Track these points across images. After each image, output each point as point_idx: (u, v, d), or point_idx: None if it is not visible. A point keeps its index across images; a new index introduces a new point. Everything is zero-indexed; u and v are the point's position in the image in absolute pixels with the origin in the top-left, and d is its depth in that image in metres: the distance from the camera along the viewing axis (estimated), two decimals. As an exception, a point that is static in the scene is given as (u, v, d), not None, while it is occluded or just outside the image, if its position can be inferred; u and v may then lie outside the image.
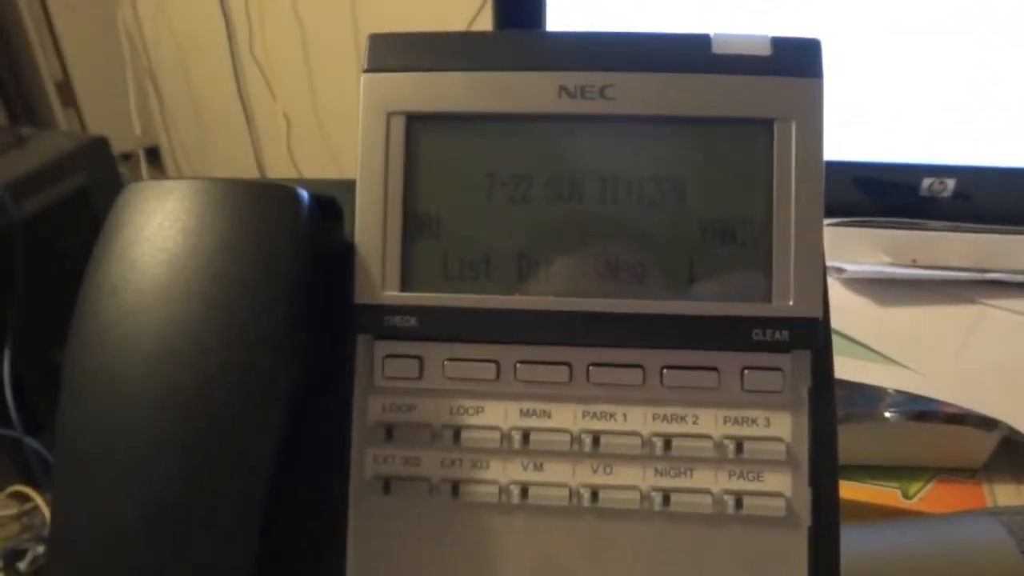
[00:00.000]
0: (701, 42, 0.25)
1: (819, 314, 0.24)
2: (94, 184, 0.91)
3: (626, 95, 0.24)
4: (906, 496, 0.43)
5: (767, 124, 0.24)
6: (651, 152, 0.25)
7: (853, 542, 0.27)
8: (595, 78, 0.24)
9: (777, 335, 0.24)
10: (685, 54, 0.24)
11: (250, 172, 1.42)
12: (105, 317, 0.22)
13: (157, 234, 0.23)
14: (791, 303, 0.24)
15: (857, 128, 0.55)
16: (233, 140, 1.44)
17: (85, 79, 1.49)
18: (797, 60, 0.24)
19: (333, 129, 1.33)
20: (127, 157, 1.50)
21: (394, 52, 0.25)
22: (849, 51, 0.53)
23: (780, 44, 0.24)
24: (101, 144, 0.96)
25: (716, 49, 0.24)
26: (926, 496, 0.43)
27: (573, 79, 0.24)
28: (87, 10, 1.47)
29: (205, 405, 0.21)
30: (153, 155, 1.59)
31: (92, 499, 0.21)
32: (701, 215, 0.24)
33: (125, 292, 0.22)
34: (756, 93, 0.24)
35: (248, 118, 1.39)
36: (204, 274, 0.22)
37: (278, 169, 1.39)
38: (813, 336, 0.24)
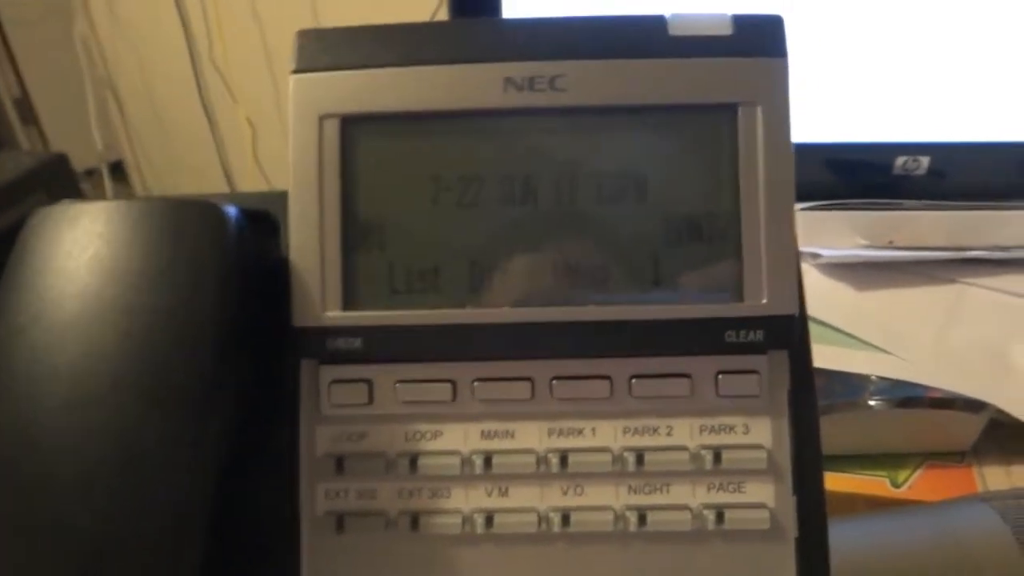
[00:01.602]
0: (657, 24, 0.23)
1: (795, 311, 0.22)
2: (54, 203, 0.88)
3: (578, 85, 0.23)
4: (895, 484, 0.42)
5: (730, 109, 0.22)
6: (608, 146, 0.23)
7: (842, 538, 0.26)
8: (544, 68, 0.23)
9: (751, 336, 0.22)
10: (640, 38, 0.23)
11: (218, 181, 1.39)
12: (12, 358, 0.20)
13: (67, 264, 0.21)
14: (765, 301, 0.22)
15: (827, 108, 0.53)
16: (198, 150, 1.41)
17: (44, 95, 1.46)
18: (760, 39, 0.23)
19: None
20: (91, 173, 1.47)
21: (325, 49, 0.23)
22: (815, 26, 0.52)
23: (741, 22, 0.23)
24: (61, 161, 0.93)
25: (673, 31, 0.23)
26: (915, 483, 0.42)
27: (520, 70, 0.23)
28: (43, 25, 1.43)
29: (128, 451, 0.19)
30: (118, 170, 1.56)
31: (8, 557, 0.19)
32: (665, 211, 0.23)
33: (33, 329, 0.20)
34: (717, 77, 0.22)
35: (212, 126, 1.37)
36: (119, 306, 0.20)
37: (245, 175, 1.37)
38: (789, 335, 0.22)
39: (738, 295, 0.22)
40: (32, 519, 0.19)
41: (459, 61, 0.23)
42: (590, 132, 0.23)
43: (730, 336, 0.22)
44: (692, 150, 0.23)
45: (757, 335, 0.22)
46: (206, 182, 1.44)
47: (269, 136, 1.32)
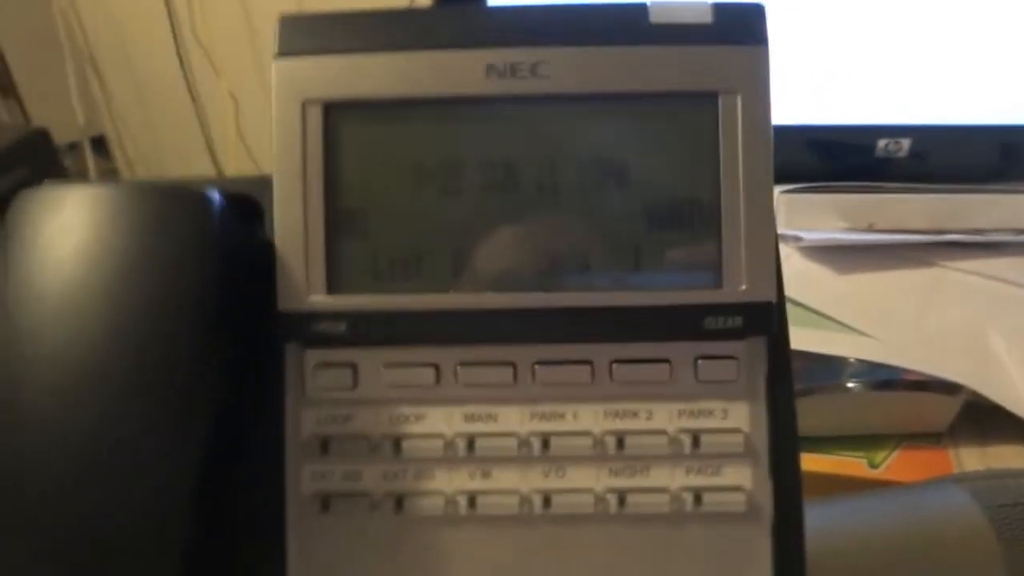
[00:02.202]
0: (638, 11, 0.23)
1: (773, 298, 0.23)
2: (36, 179, 0.87)
3: (560, 72, 0.23)
4: (872, 465, 0.43)
5: (711, 98, 0.22)
6: (589, 133, 0.23)
7: (817, 520, 0.26)
8: (526, 55, 0.23)
9: (730, 322, 0.22)
10: (622, 25, 0.23)
11: (200, 156, 1.38)
12: (-4, 344, 0.20)
13: (50, 249, 0.20)
14: (743, 288, 0.22)
15: (809, 90, 0.54)
16: (181, 124, 1.39)
17: (24, 69, 1.43)
18: (740, 27, 0.23)
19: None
20: (72, 147, 1.45)
21: (307, 34, 0.23)
22: (798, 10, 0.52)
23: (722, 10, 0.23)
24: (42, 136, 0.92)
25: (654, 18, 0.23)
26: (892, 464, 0.43)
27: (502, 57, 0.23)
28: (21, -4, 1.40)
29: (115, 436, 0.20)
30: (99, 145, 1.54)
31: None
32: (646, 198, 0.23)
33: (17, 317, 0.20)
34: (698, 64, 0.23)
35: (194, 100, 1.35)
36: (104, 291, 0.20)
37: (228, 150, 1.35)
38: (767, 321, 0.23)
39: (717, 282, 0.23)
40: (17, 503, 0.20)
41: (441, 47, 0.23)
42: (572, 119, 0.23)
43: (709, 322, 0.23)
44: (673, 138, 0.23)
45: (736, 321, 0.23)
46: (189, 156, 1.42)
47: (252, 110, 1.30)
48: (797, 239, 0.49)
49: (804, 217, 0.50)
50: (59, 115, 1.33)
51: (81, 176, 1.34)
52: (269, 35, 0.23)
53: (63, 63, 1.38)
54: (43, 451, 0.20)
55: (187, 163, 1.43)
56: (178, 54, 1.30)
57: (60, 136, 1.05)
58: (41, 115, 1.39)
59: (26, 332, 0.20)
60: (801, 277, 0.48)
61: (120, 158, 1.57)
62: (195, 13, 1.24)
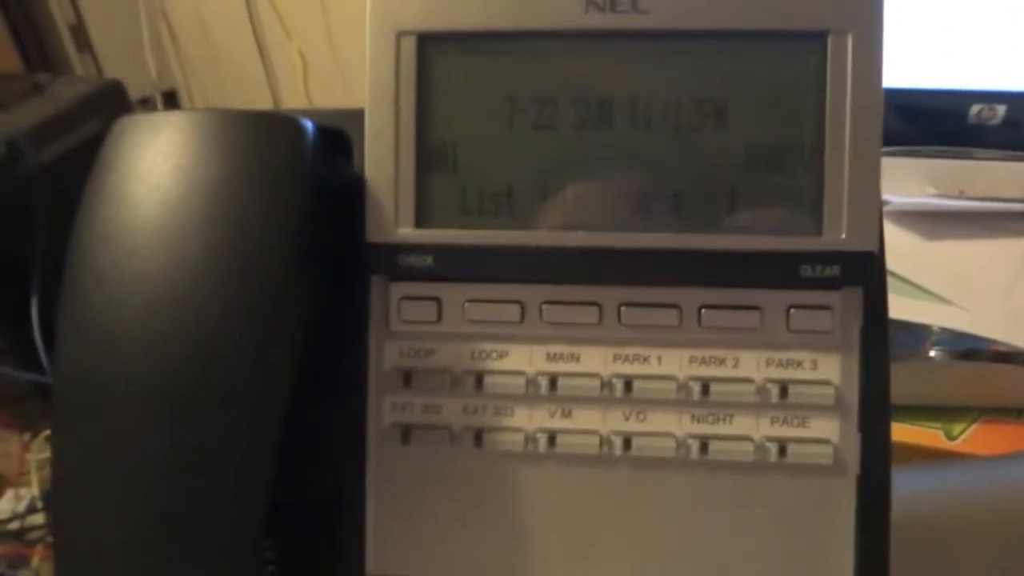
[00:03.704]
0: None
1: (874, 248, 0.22)
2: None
3: (661, 7, 0.22)
4: (950, 437, 0.41)
5: (820, 37, 0.22)
6: (689, 71, 0.22)
7: (900, 484, 0.26)
8: None
9: (827, 271, 0.22)
10: None
11: (268, 113, 1.40)
12: (97, 264, 0.20)
13: (149, 172, 0.21)
14: (843, 236, 0.22)
15: (902, 53, 0.51)
16: (249, 81, 1.41)
17: (99, 22, 1.46)
18: None
19: (349, 67, 1.30)
20: (144, 102, 1.48)
21: None
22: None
23: None
24: (117, 88, 0.94)
25: None
26: (970, 437, 0.41)
27: None
28: (97, -48, 1.43)
29: (208, 352, 0.20)
30: (170, 99, 1.57)
31: (90, 458, 0.20)
32: (745, 140, 0.22)
33: (117, 237, 0.20)
34: (808, 2, 0.22)
35: (264, 59, 1.37)
36: (200, 214, 0.20)
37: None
38: (867, 272, 0.22)
39: (816, 229, 0.22)
40: (114, 420, 0.20)
41: None
42: (672, 56, 0.22)
43: (805, 270, 0.22)
44: (777, 78, 0.22)
45: (833, 270, 0.22)
46: (257, 113, 1.45)
47: (320, 71, 1.32)
48: (885, 203, 0.47)
49: (892, 181, 0.48)
50: (132, 69, 1.36)
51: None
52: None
53: (138, 19, 1.41)
54: (140, 368, 0.20)
55: (256, 119, 1.45)
56: (249, 13, 1.31)
57: (133, 90, 1.07)
58: (115, 69, 1.42)
59: (125, 252, 0.21)
60: (887, 242, 0.46)
61: (190, 113, 1.60)
62: (267, -29, 1.25)
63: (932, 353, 0.40)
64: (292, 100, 1.38)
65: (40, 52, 1.42)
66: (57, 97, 0.87)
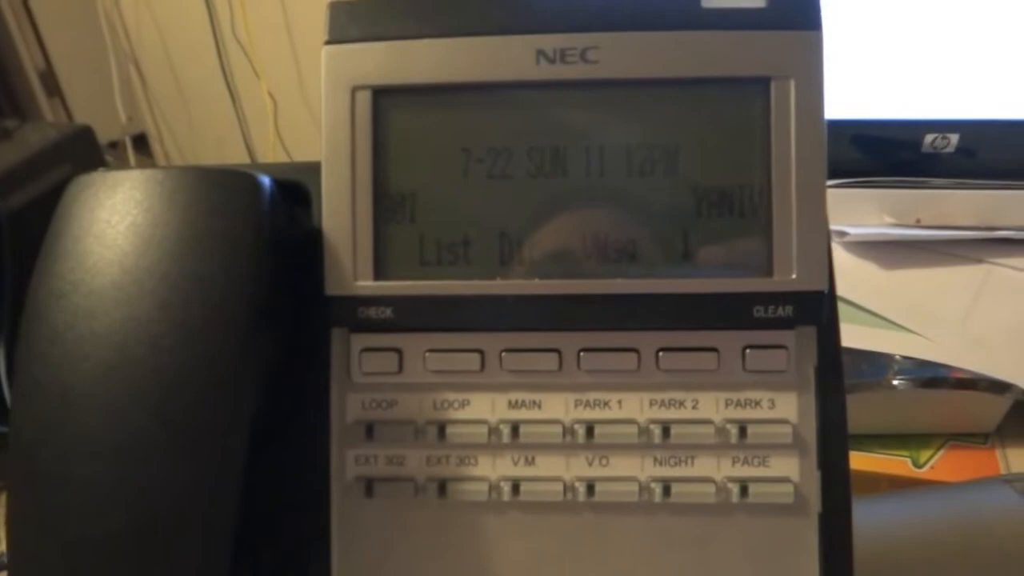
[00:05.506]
0: None
1: (824, 287, 0.22)
2: (80, 174, 0.89)
3: (610, 58, 0.22)
4: (917, 464, 0.42)
5: (763, 83, 0.22)
6: (639, 118, 0.23)
7: (864, 516, 0.26)
8: (576, 40, 0.23)
9: (780, 311, 0.22)
10: (673, 10, 0.23)
11: (239, 154, 1.40)
12: (54, 323, 0.20)
13: (105, 231, 0.21)
14: (794, 276, 0.22)
15: (856, 84, 0.53)
16: (220, 123, 1.41)
17: (68, 67, 1.47)
18: (794, 11, 0.22)
19: (320, 106, 1.31)
20: (114, 145, 1.48)
21: (357, 21, 0.23)
22: (843, 2, 0.51)
23: None
24: (86, 133, 0.94)
25: (706, 3, 0.23)
26: (938, 464, 0.42)
27: (552, 42, 0.23)
28: (66, -3, 1.44)
29: (167, 411, 0.20)
30: (141, 142, 1.57)
31: (51, 522, 0.20)
32: (695, 184, 0.23)
33: (74, 295, 0.20)
34: (751, 49, 0.22)
35: (234, 100, 1.37)
36: (157, 272, 0.20)
37: (266, 149, 1.37)
38: (818, 310, 0.22)
39: (767, 270, 0.22)
40: (71, 479, 0.20)
41: (491, 33, 0.23)
42: (621, 104, 0.23)
43: (758, 311, 0.22)
44: (724, 123, 0.23)
45: (786, 310, 0.22)
46: (228, 154, 1.45)
47: (291, 110, 1.32)
48: (842, 234, 0.48)
49: (850, 212, 0.49)
50: (102, 113, 1.36)
51: (123, 173, 1.36)
52: (308, 35, 0.24)
53: (107, 63, 1.41)
54: (97, 426, 0.20)
55: (227, 161, 1.44)
56: (218, 54, 1.32)
57: (102, 134, 1.07)
58: (85, 113, 1.42)
59: (82, 311, 0.20)
60: (846, 272, 0.47)
61: (161, 156, 1.60)
62: (236, 14, 1.26)
63: (895, 382, 0.41)
64: (263, 140, 1.38)
65: (9, 98, 1.41)
66: (26, 143, 0.87)
